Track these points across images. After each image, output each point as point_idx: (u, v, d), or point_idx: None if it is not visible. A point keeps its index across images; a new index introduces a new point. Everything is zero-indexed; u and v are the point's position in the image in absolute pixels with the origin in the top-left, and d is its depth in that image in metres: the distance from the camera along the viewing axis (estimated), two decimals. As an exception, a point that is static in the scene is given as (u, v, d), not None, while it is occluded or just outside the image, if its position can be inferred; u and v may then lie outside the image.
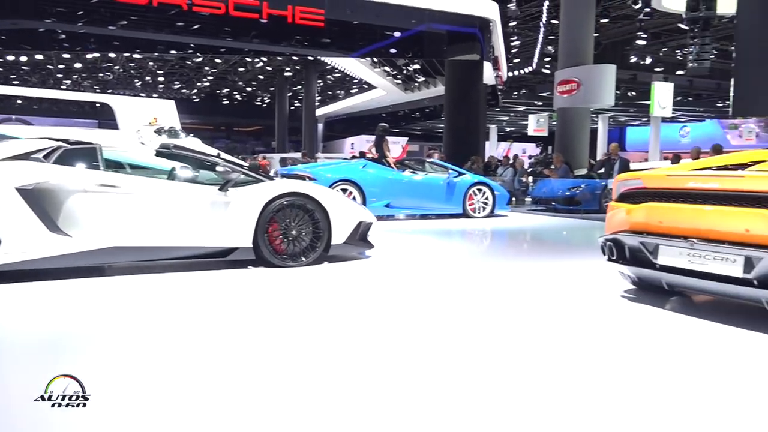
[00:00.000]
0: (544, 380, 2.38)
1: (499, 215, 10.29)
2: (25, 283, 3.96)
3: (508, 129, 46.39)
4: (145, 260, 4.49)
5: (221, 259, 4.72)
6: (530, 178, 13.84)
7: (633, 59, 23.46)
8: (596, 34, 17.17)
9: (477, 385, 2.33)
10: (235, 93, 41.87)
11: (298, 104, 38.69)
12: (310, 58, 27.95)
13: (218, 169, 4.78)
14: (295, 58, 28.26)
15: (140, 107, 26.42)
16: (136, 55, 27.02)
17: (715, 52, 21.53)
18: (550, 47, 20.60)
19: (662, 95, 22.92)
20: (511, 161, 15.61)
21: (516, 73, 26.49)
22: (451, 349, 2.80)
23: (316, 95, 35.18)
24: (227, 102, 44.27)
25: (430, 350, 2.79)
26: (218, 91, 41.07)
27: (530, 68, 24.49)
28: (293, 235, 4.86)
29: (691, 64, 13.25)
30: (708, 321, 3.32)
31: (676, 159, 11.76)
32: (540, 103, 30.83)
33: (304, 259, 4.89)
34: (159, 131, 19.18)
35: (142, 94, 35.93)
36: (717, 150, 9.64)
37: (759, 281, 2.94)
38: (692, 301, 3.91)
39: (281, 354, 2.70)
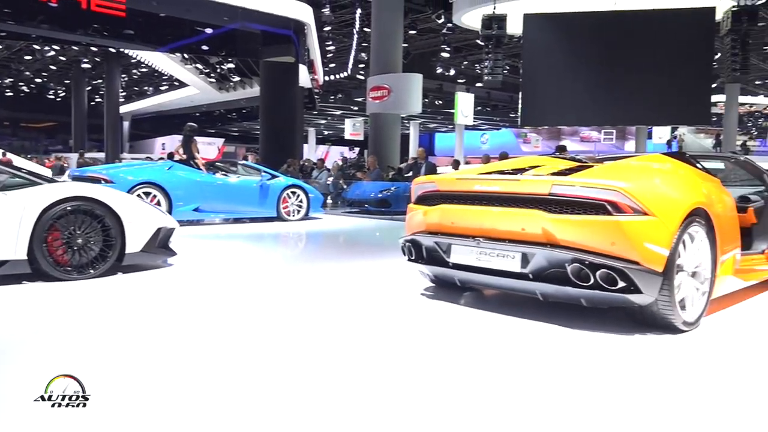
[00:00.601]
0: (338, 377, 2.38)
1: (313, 218, 10.34)
2: None
3: (326, 132, 47.12)
4: None
5: (-13, 274, 4.08)
6: (341, 180, 14.13)
7: (439, 70, 25.21)
8: (405, 45, 18.11)
9: (277, 385, 2.25)
10: (21, 84, 36.96)
11: (100, 99, 35.39)
12: (112, 50, 25.71)
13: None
14: (94, 48, 25.78)
15: None
16: None
17: (507, 67, 23.96)
18: (363, 54, 21.28)
19: (465, 105, 24.94)
20: (326, 165, 15.82)
21: (332, 77, 27.02)
22: (252, 357, 2.69)
23: (120, 91, 32.48)
24: (11, 94, 38.94)
25: (228, 361, 2.65)
26: (-1, 81, 35.96)
27: (345, 73, 25.12)
28: (79, 244, 4.36)
29: (486, 77, 14.53)
30: (494, 313, 3.60)
31: (455, 164, 12.84)
32: (356, 108, 31.79)
33: (92, 270, 4.41)
34: None
35: None
36: (503, 156, 10.74)
37: (533, 275, 3.26)
38: (483, 296, 4.23)
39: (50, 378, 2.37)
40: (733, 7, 13.11)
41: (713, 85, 18.49)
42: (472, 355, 2.84)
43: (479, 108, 32.72)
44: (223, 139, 41.54)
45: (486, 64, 14.46)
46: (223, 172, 9.63)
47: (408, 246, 3.93)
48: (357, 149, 39.27)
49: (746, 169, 4.85)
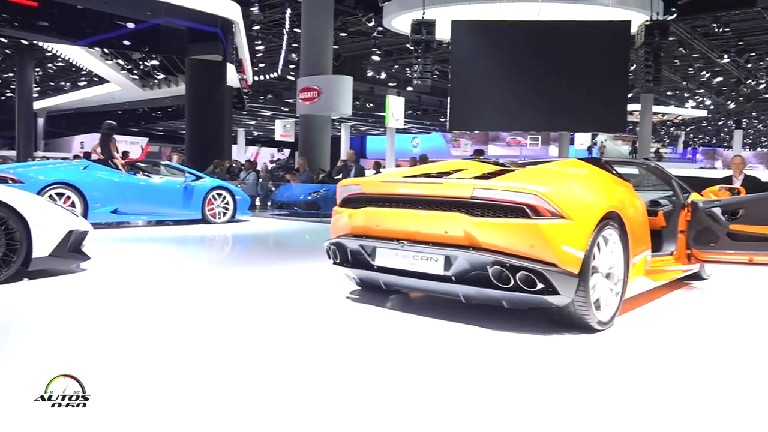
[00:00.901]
0: (259, 381, 2.32)
1: (240, 220, 10.16)
2: None
3: (256, 133, 46.33)
4: None
5: None
6: (270, 182, 13.91)
7: (370, 73, 25.30)
8: (336, 47, 18.07)
9: (194, 394, 2.17)
10: None
11: (11, 94, 33.28)
12: (24, 42, 24.23)
13: None
14: (3, 40, 24.21)
15: None
16: None
17: (437, 72, 24.32)
18: (294, 55, 21.04)
19: (395, 108, 25.11)
20: (258, 166, 15.52)
21: (262, 77, 26.55)
22: (168, 366, 2.57)
23: (35, 85, 30.66)
24: None
25: (141, 371, 2.52)
26: None
27: (276, 74, 24.76)
28: (-21, 249, 4.06)
29: (416, 81, 14.69)
30: (418, 316, 3.62)
31: (377, 166, 12.98)
32: (286, 109, 31.40)
33: (-6, 277, 4.11)
34: None
35: None
36: (423, 159, 10.94)
37: (456, 277, 3.30)
38: (408, 299, 4.25)
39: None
40: (647, 21, 13.88)
41: (629, 95, 19.51)
42: (395, 357, 2.83)
43: (410, 111, 33.04)
44: (147, 139, 40.01)
45: (416, 68, 14.62)
46: (145, 173, 9.28)
47: (333, 249, 3.90)
48: (287, 151, 38.83)
49: (656, 175, 5.12)
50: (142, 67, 24.71)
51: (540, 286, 3.10)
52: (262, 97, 30.13)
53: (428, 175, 3.83)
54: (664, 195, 5.15)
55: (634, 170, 5.87)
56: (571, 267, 3.13)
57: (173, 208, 9.13)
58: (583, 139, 33.50)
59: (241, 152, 38.55)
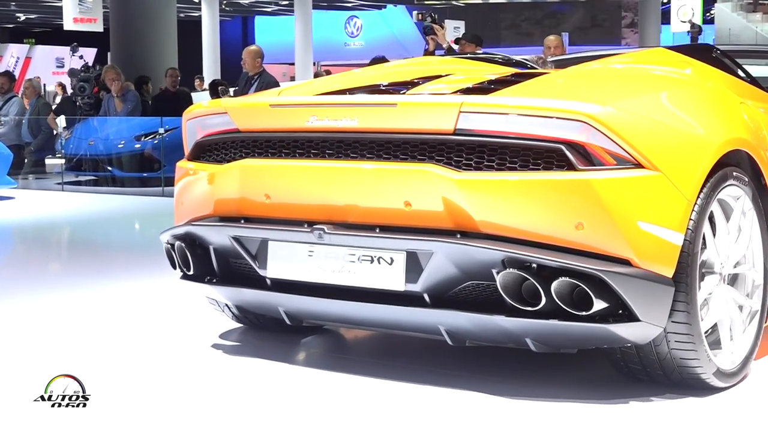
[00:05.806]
0: None
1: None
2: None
3: (22, 17, 45.65)
4: None
5: None
6: (61, 121, 13.73)
7: None
8: None
9: None
10: None
11: None
12: None
13: None
14: None
15: None
16: None
17: None
18: None
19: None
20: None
21: None
22: None
23: None
24: None
25: None
26: None
27: None
28: None
29: None
30: (360, 377, 3.63)
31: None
32: (83, -35, 30.90)
33: None
34: None
35: None
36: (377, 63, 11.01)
37: (431, 294, 3.27)
38: (340, 342, 4.29)
39: None
40: None
41: None
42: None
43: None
44: None
45: None
46: None
47: (179, 247, 3.86)
48: (88, 53, 38.27)
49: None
50: None
51: (599, 305, 3.11)
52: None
53: (371, 90, 3.83)
54: None
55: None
56: (660, 265, 3.16)
57: None
58: (683, 14, 34.09)
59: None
